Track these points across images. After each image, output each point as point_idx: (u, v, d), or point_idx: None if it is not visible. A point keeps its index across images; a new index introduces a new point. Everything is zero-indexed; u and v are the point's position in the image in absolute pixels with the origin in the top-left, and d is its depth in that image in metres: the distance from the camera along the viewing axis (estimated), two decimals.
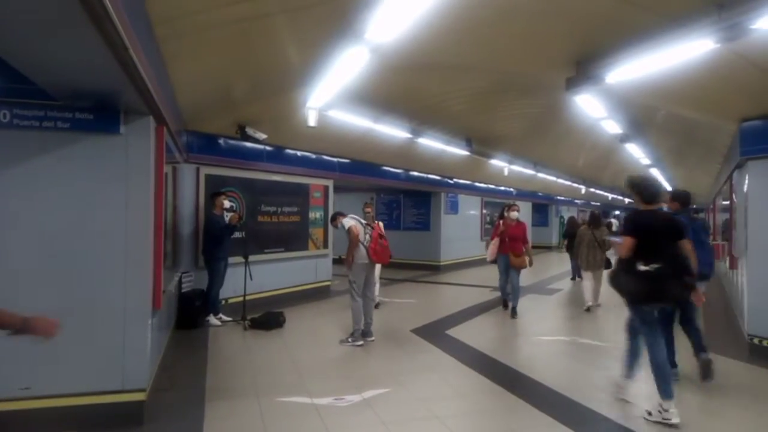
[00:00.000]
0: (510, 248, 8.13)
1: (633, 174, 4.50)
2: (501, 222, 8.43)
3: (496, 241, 8.30)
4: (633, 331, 4.38)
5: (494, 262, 8.62)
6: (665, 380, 3.97)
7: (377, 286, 7.27)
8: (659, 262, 3.84)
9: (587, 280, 8.81)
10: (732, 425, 4.12)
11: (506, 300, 8.66)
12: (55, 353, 3.70)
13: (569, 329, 7.19)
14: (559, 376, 5.13)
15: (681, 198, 5.40)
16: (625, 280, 4.00)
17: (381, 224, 6.86)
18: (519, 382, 5.00)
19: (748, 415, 4.32)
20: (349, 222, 6.48)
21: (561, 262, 17.42)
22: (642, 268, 3.86)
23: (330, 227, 10.41)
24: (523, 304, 8.83)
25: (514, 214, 8.35)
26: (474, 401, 4.53)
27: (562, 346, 6.32)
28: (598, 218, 9.07)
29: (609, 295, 10.18)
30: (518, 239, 8.20)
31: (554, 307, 9.35)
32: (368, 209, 7.19)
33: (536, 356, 5.94)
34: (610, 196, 28.11)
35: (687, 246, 4.05)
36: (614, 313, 8.94)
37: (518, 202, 20.22)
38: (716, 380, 5.04)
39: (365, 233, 6.47)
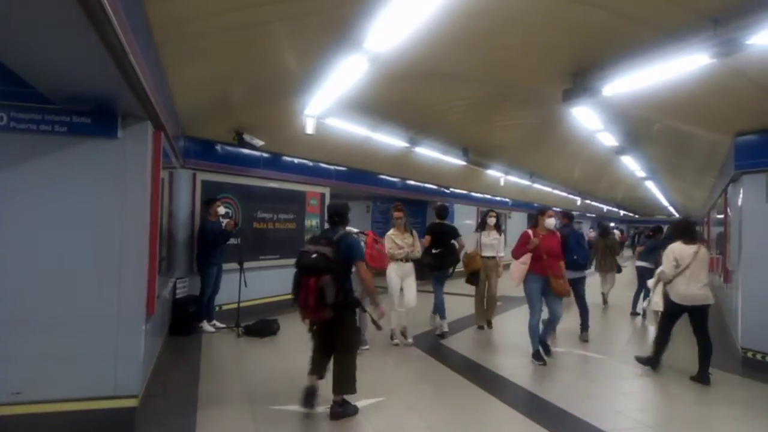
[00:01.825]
0: (549, 267, 5.80)
1: (441, 204, 7.95)
2: (532, 232, 5.98)
3: (526, 259, 5.87)
4: (434, 285, 7.30)
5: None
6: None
7: (411, 296, 6.56)
8: (440, 248, 7.07)
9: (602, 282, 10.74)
10: None
11: (545, 343, 6.30)
12: (46, 358, 3.68)
13: (564, 340, 7.16)
14: (554, 387, 5.12)
15: (568, 216, 8.28)
16: (425, 257, 6.90)
17: (374, 232, 6.76)
18: (513, 393, 4.99)
19: (741, 426, 4.32)
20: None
21: None
22: (433, 251, 7.06)
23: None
24: (518, 313, 8.80)
25: (550, 222, 6.07)
26: (468, 411, 4.50)
27: (557, 358, 6.30)
28: (607, 229, 11.08)
29: (617, 298, 10.22)
30: (557, 255, 5.97)
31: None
32: (398, 214, 6.68)
33: (531, 366, 5.92)
34: (605, 207, 28.23)
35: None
36: (617, 319, 8.98)
37: (513, 213, 20.55)
38: (710, 393, 5.05)
39: (360, 241, 6.41)
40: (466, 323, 8.32)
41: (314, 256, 3.96)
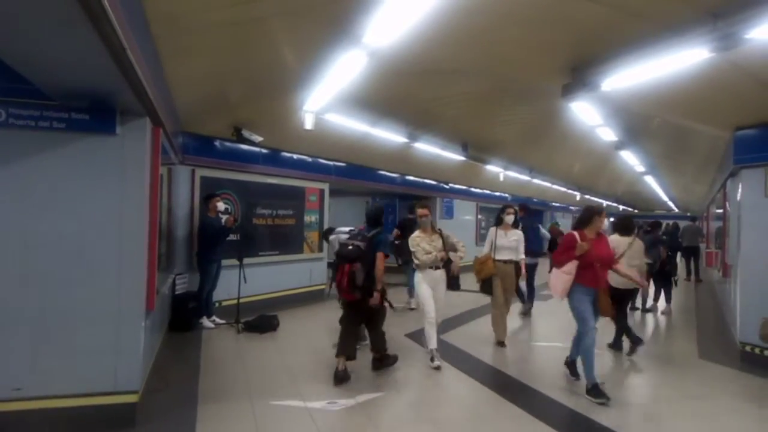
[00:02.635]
0: (599, 279, 4.82)
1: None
2: (579, 234, 4.86)
3: (570, 268, 4.76)
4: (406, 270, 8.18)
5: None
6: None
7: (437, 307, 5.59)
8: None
9: None
10: (724, 429, 4.14)
11: (574, 365, 5.33)
12: (47, 354, 3.70)
13: (565, 336, 7.17)
14: (554, 383, 5.14)
15: (526, 208, 9.31)
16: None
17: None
18: (513, 388, 5.01)
19: (740, 418, 4.35)
20: (334, 246, 6.17)
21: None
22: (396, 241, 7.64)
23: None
24: (516, 308, 8.83)
25: (603, 224, 5.05)
26: (468, 406, 4.52)
27: (558, 353, 6.31)
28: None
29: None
30: (609, 263, 4.99)
31: (549, 314, 9.35)
32: (423, 212, 5.63)
33: (531, 362, 5.95)
34: (605, 202, 28.24)
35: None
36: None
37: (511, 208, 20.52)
38: (710, 386, 5.08)
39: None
40: (466, 317, 8.34)
41: (350, 248, 4.99)
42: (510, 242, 6.55)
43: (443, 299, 5.68)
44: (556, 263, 4.95)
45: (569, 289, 4.82)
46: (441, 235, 5.66)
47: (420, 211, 5.69)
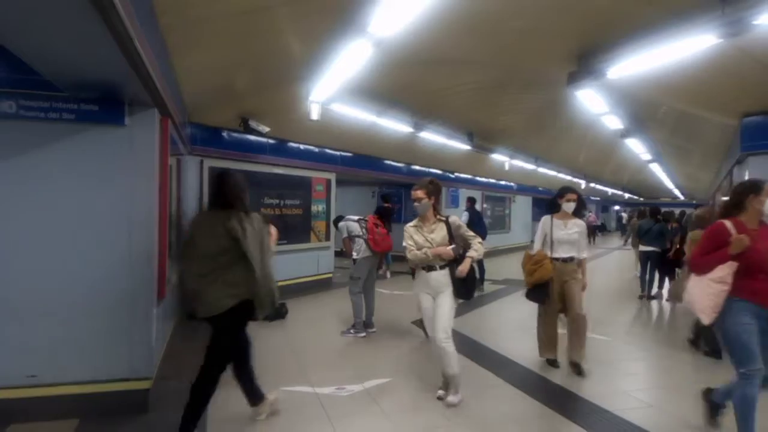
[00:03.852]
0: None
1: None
2: (733, 223, 3.32)
3: (724, 274, 3.25)
4: None
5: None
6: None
7: (442, 323, 4.16)
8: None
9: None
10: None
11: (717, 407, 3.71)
12: (61, 342, 3.76)
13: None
14: (559, 368, 5.17)
15: (472, 200, 10.42)
16: None
17: (374, 217, 6.73)
18: (519, 373, 5.05)
19: None
20: (344, 233, 6.61)
21: None
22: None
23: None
24: (522, 296, 8.85)
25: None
26: (473, 391, 4.56)
27: (563, 340, 6.34)
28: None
29: (616, 281, 10.22)
30: None
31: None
32: (418, 194, 4.29)
33: (535, 348, 5.97)
34: (611, 191, 28.13)
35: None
36: (619, 302, 9.00)
37: (518, 197, 20.50)
38: (717, 374, 5.08)
39: (361, 227, 6.52)
40: (468, 306, 8.37)
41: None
42: (570, 235, 5.15)
43: (446, 311, 4.16)
44: (697, 267, 3.43)
45: (722, 305, 3.27)
46: (447, 223, 4.29)
47: (414, 193, 4.33)
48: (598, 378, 4.95)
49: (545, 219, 5.32)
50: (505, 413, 4.11)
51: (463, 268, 4.10)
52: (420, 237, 4.27)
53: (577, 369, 5.04)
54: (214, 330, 3.51)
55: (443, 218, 4.34)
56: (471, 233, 4.33)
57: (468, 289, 4.25)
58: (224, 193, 3.51)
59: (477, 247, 4.22)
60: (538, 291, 5.11)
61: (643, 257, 9.48)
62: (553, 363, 5.28)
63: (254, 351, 4.02)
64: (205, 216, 3.61)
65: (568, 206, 5.22)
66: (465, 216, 9.85)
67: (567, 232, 5.17)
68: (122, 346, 3.89)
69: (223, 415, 3.93)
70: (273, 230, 4.33)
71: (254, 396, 3.87)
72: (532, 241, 5.62)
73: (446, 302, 4.16)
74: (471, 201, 10.67)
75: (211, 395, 3.44)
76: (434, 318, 4.17)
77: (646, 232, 9.40)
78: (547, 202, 5.70)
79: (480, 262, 9.45)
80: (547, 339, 5.33)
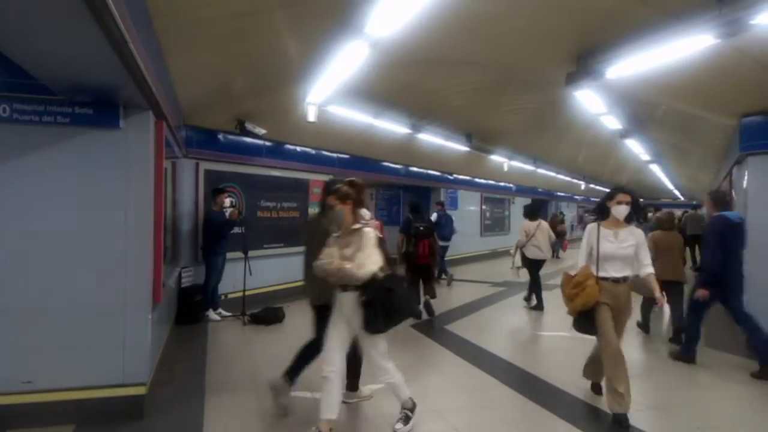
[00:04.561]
0: None
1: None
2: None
3: None
4: None
5: None
6: None
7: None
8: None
9: None
10: (730, 417, 4.14)
11: None
12: (56, 348, 3.73)
13: (568, 325, 7.18)
14: (558, 371, 5.14)
15: (441, 203, 11.42)
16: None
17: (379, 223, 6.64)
18: (518, 377, 5.02)
19: (746, 407, 4.36)
20: None
21: (557, 259, 17.46)
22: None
23: None
24: (522, 298, 8.85)
25: None
26: (473, 396, 4.54)
27: (562, 342, 6.33)
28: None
29: None
30: None
31: (553, 303, 9.35)
32: (333, 199, 3.71)
33: (536, 351, 5.96)
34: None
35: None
36: None
37: (517, 198, 20.49)
38: (715, 375, 5.07)
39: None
40: (467, 310, 8.35)
41: (422, 228, 7.17)
42: (623, 249, 4.00)
43: (375, 347, 3.60)
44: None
45: None
46: (362, 235, 3.53)
47: (329, 199, 3.74)
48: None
49: (591, 228, 4.21)
50: (508, 419, 4.08)
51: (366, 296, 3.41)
52: (335, 250, 3.57)
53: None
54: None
55: (366, 225, 3.62)
56: (372, 250, 3.47)
57: (375, 318, 3.42)
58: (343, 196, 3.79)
59: (359, 268, 3.37)
60: (583, 320, 4.10)
61: None
62: (597, 390, 4.48)
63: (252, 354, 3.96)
64: (315, 220, 4.34)
65: (619, 211, 4.06)
66: (434, 217, 10.52)
67: (618, 245, 4.00)
68: (117, 352, 3.85)
69: (219, 425, 3.89)
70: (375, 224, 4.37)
71: (351, 380, 4.29)
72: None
73: (375, 343, 3.58)
74: (440, 204, 11.77)
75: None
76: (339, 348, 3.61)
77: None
78: (595, 207, 4.65)
79: (443, 263, 10.78)
80: (617, 388, 3.85)
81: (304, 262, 4.03)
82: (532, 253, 8.32)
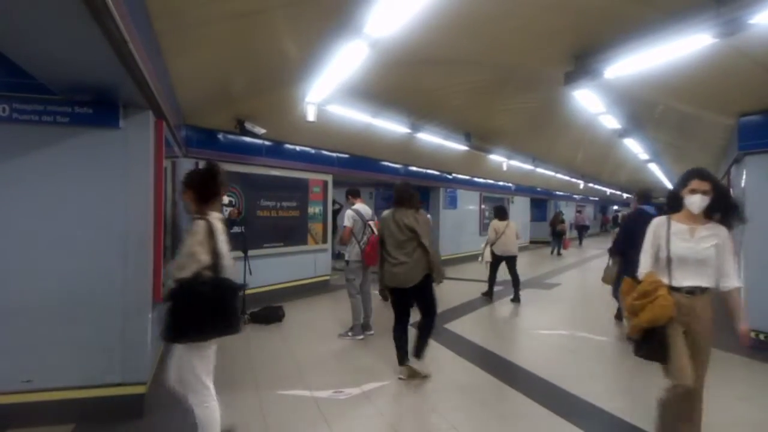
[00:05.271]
0: None
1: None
2: None
3: None
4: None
5: None
6: None
7: None
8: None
9: None
10: (731, 415, 4.15)
11: None
12: (56, 347, 3.74)
13: (568, 323, 7.21)
14: (557, 369, 5.15)
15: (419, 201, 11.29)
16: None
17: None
18: (517, 376, 5.03)
19: (745, 405, 4.37)
20: (347, 221, 6.21)
21: (558, 257, 17.49)
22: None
23: (329, 222, 10.44)
24: (521, 297, 8.88)
25: None
26: (472, 394, 4.55)
27: (561, 340, 6.35)
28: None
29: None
30: None
31: (553, 302, 9.39)
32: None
33: (534, 349, 5.97)
34: (608, 191, 28.16)
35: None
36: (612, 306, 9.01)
37: (516, 197, 20.50)
38: (714, 373, 5.07)
39: (363, 234, 6.21)
40: (466, 308, 8.37)
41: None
42: (702, 251, 3.07)
43: (178, 362, 3.11)
44: None
45: None
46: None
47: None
48: (595, 377, 4.94)
49: (658, 223, 3.25)
50: (507, 418, 4.09)
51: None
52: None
53: None
54: (412, 294, 4.87)
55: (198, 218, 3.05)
56: (188, 253, 2.95)
57: (167, 323, 2.93)
58: (408, 197, 4.99)
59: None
60: (651, 342, 3.07)
61: None
62: None
63: (252, 353, 3.96)
64: (392, 214, 4.90)
65: (693, 202, 3.09)
66: None
67: (694, 246, 3.08)
68: (117, 351, 3.87)
69: None
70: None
71: (416, 351, 4.90)
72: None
73: (177, 350, 3.08)
74: (419, 201, 11.47)
75: (432, 328, 4.97)
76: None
77: None
78: (667, 195, 3.45)
79: None
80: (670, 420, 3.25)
81: (382, 251, 4.94)
82: (500, 250, 9.02)
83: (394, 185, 5.34)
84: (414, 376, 4.81)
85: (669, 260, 3.13)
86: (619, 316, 7.20)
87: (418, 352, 4.88)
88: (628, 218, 6.61)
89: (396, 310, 4.97)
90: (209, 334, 2.97)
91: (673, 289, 3.09)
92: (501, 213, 9.53)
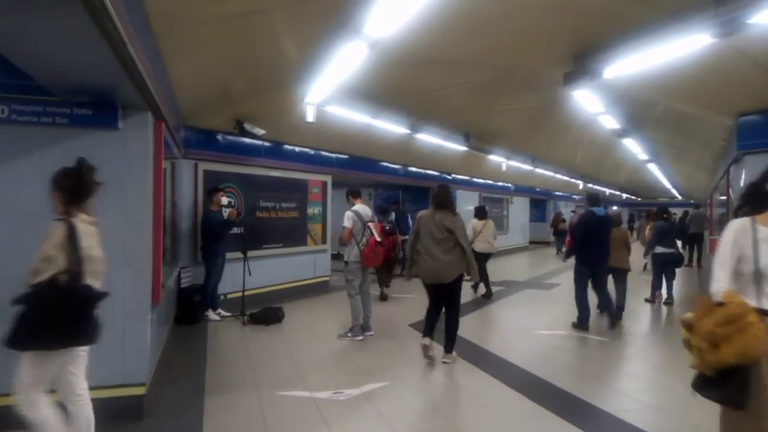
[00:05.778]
0: None
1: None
2: None
3: None
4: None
5: None
6: None
7: None
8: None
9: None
10: None
11: None
12: None
13: (567, 324, 7.20)
14: (557, 369, 5.15)
15: (397, 203, 12.01)
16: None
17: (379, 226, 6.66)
18: (516, 375, 5.02)
19: None
20: (347, 222, 6.18)
21: (557, 258, 17.48)
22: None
23: (329, 223, 10.44)
24: (521, 298, 8.88)
25: None
26: (471, 394, 4.55)
27: (560, 340, 6.35)
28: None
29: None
30: None
31: (551, 302, 9.38)
32: None
33: (533, 350, 5.96)
34: (608, 191, 28.17)
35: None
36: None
37: (515, 198, 20.51)
38: None
39: (362, 235, 6.19)
40: (465, 309, 8.36)
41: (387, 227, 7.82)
42: None
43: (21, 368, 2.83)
44: None
45: None
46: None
47: None
48: (595, 378, 4.93)
49: (740, 226, 2.48)
50: (508, 418, 4.09)
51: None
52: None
53: None
54: (444, 292, 5.32)
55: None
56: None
57: (14, 330, 2.81)
58: (449, 201, 5.38)
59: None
60: (732, 383, 2.28)
61: (661, 261, 8.79)
62: None
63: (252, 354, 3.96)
64: (430, 214, 5.28)
65: None
66: (392, 216, 10.08)
67: None
68: (117, 352, 3.85)
69: (219, 425, 3.89)
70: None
71: (446, 345, 5.45)
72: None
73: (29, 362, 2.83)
74: (396, 203, 12.41)
75: (457, 323, 5.48)
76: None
77: (667, 234, 8.75)
78: (744, 193, 2.79)
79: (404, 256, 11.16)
80: None
81: (415, 249, 5.48)
82: (480, 247, 9.27)
83: (431, 189, 5.83)
84: (427, 351, 5.28)
85: (758, 274, 2.36)
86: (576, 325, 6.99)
87: (448, 347, 5.41)
88: (583, 222, 7.13)
89: (432, 300, 5.47)
90: (51, 344, 2.79)
91: (762, 312, 2.29)
92: (480, 213, 9.99)
